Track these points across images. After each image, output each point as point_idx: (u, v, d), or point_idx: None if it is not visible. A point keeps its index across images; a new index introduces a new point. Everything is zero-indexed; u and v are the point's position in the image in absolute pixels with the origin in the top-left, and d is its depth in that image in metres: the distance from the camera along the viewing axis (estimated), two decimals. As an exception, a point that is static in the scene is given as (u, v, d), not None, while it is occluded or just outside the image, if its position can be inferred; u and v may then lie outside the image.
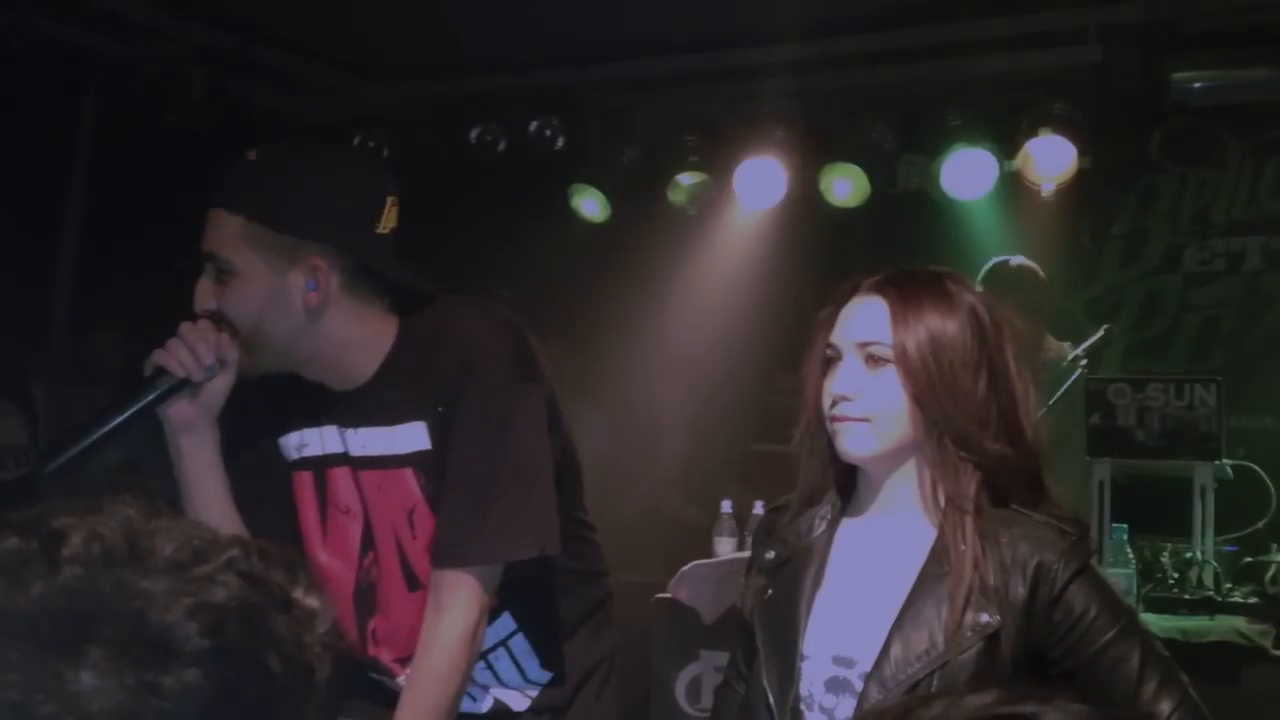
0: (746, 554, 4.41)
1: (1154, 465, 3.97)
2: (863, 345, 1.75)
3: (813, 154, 5.41)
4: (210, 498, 1.95)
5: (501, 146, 5.69)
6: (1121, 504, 3.98)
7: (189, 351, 1.87)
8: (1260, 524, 3.86)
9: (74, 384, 4.87)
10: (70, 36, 5.09)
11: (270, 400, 2.03)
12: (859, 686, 1.70)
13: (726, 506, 4.65)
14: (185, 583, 0.77)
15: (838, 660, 1.73)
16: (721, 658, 4.16)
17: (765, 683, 1.77)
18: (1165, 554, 3.82)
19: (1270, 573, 3.73)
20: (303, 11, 4.99)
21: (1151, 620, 3.61)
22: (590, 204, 5.74)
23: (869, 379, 1.74)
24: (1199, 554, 3.78)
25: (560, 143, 5.64)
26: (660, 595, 4.29)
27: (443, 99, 5.87)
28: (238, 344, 1.90)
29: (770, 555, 1.86)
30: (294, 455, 2.06)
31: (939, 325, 1.71)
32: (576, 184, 5.69)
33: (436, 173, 5.90)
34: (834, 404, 1.75)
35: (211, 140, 5.32)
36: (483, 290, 5.31)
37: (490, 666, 2.12)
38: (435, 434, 1.96)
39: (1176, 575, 3.78)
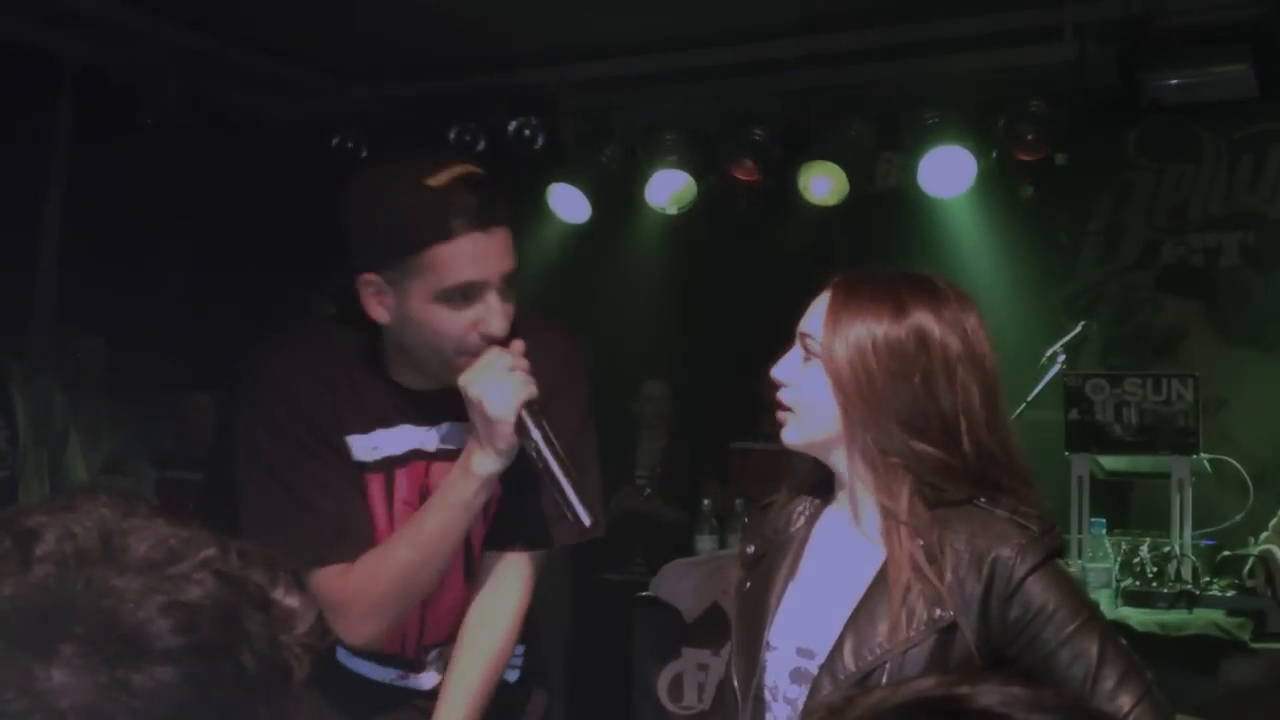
0: (726, 552, 4.45)
1: (1132, 460, 4.00)
2: (803, 336, 1.78)
3: (791, 152, 5.42)
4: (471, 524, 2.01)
5: (480, 146, 5.68)
6: (1100, 498, 4.01)
7: (524, 375, 1.92)
8: (1238, 517, 3.88)
9: (53, 388, 4.83)
10: (43, 39, 5.06)
11: (332, 402, 2.04)
12: None
13: (707, 505, 4.67)
14: (159, 581, 0.77)
15: (801, 651, 1.75)
16: (703, 655, 4.19)
17: (733, 671, 1.82)
18: (1144, 548, 3.84)
19: (1248, 566, 3.75)
20: (279, 12, 4.97)
21: (1130, 614, 3.64)
22: (570, 203, 5.73)
23: (802, 370, 1.78)
24: (1177, 548, 3.80)
25: (539, 142, 5.63)
26: (642, 594, 4.30)
27: (421, 99, 5.86)
28: None
29: (751, 550, 1.90)
30: (366, 458, 2.06)
31: (870, 329, 1.71)
32: (556, 183, 5.69)
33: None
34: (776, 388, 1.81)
35: (188, 142, 5.30)
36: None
37: None
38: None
39: (1155, 569, 3.80)
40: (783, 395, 1.79)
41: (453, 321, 1.90)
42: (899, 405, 1.69)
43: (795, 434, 1.79)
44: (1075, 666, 1.63)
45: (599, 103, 5.78)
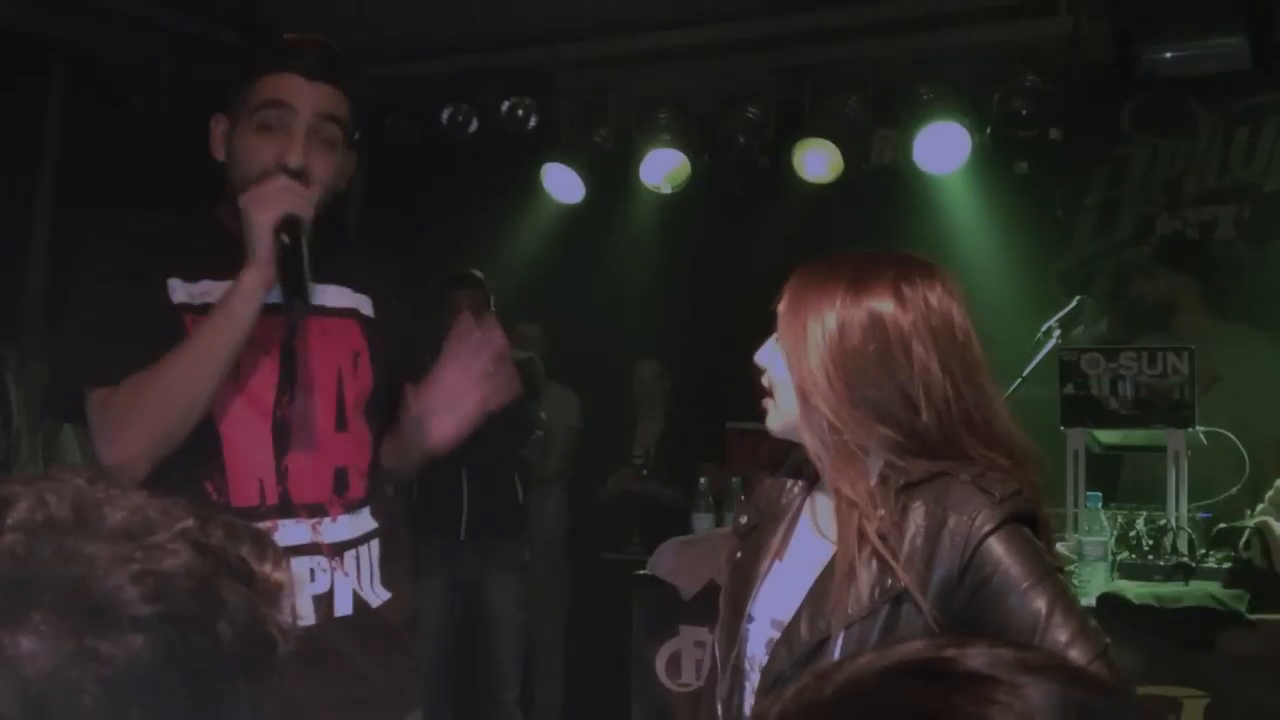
0: (722, 530, 4.44)
1: (1127, 434, 4.00)
2: (777, 318, 1.79)
3: (786, 130, 5.41)
4: (240, 343, 2.05)
5: (473, 127, 5.67)
6: (1095, 472, 4.01)
7: (302, 200, 2.05)
8: (1234, 490, 3.88)
9: (46, 373, 4.81)
10: (33, 22, 5.03)
11: (156, 244, 2.15)
12: None
13: (703, 484, 4.67)
14: (132, 549, 0.76)
15: (775, 624, 1.76)
16: (701, 633, 4.19)
17: (715, 641, 1.84)
18: (1140, 521, 3.84)
19: (1244, 538, 3.75)
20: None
21: (1126, 586, 3.64)
22: (563, 183, 5.72)
23: (774, 352, 1.79)
24: (1173, 521, 3.80)
25: (532, 122, 5.62)
26: (639, 572, 4.31)
27: (413, 80, 5.84)
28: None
29: (744, 520, 1.92)
30: (192, 300, 2.11)
31: (821, 313, 1.71)
32: (549, 163, 5.68)
33: (408, 154, 5.87)
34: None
35: (181, 124, 5.27)
36: (457, 271, 5.33)
37: (357, 558, 2.19)
38: (379, 310, 2.23)
39: (1151, 542, 3.80)
40: (764, 380, 1.81)
41: (261, 148, 2.08)
42: (853, 385, 1.69)
43: (773, 421, 1.81)
44: (1024, 625, 1.59)
45: (592, 82, 5.76)
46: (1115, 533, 3.82)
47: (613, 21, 5.35)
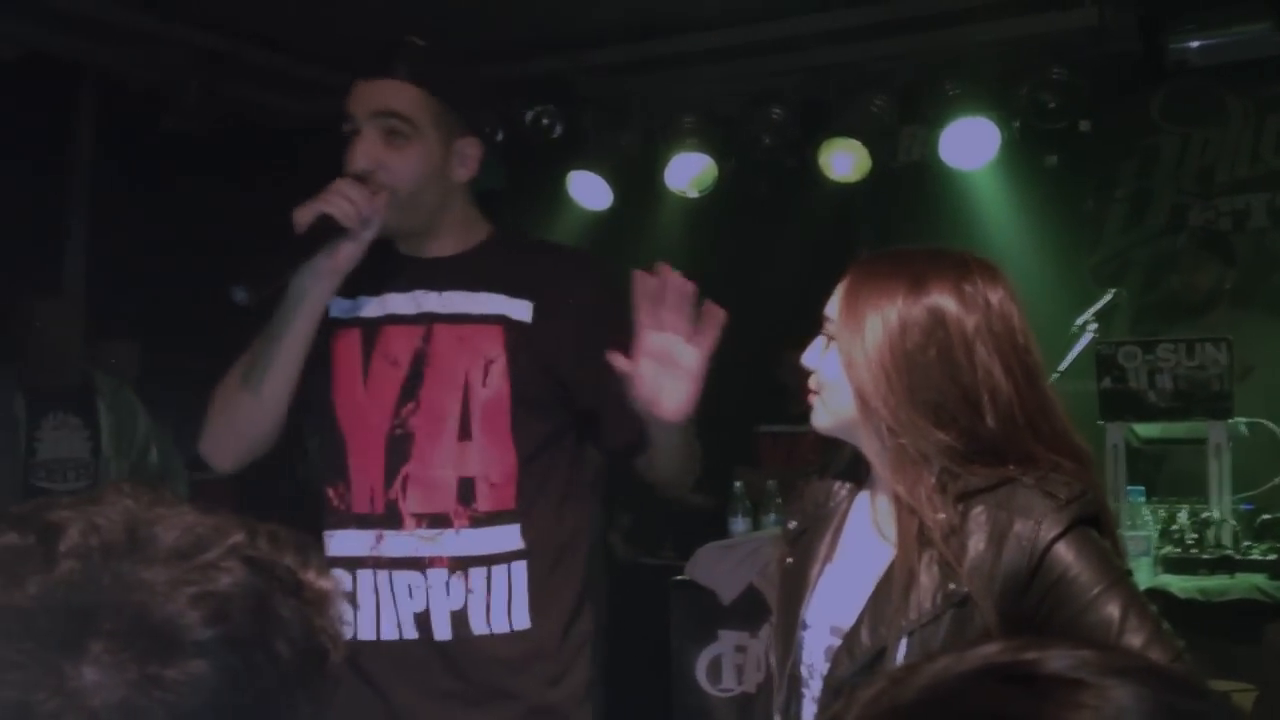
0: (761, 533, 4.42)
1: (1167, 426, 3.96)
2: (824, 319, 1.76)
3: (811, 130, 5.39)
4: (299, 355, 2.10)
5: (499, 136, 5.68)
6: (1136, 466, 3.98)
7: (349, 202, 2.04)
8: (1276, 480, 3.84)
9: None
10: (63, 45, 5.08)
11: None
12: None
13: (739, 487, 4.66)
14: (187, 571, 0.76)
15: (835, 630, 1.72)
16: (741, 637, 4.18)
17: (770, 649, 1.81)
18: (1183, 514, 3.81)
19: (1288, 529, 3.72)
20: (293, 11, 4.98)
21: (1171, 581, 3.61)
22: (590, 190, 5.72)
23: (823, 354, 1.76)
24: (1216, 513, 3.76)
25: (558, 130, 5.62)
26: (677, 578, 4.30)
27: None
28: (386, 207, 2.08)
29: (793, 525, 1.88)
30: (343, 315, 2.18)
31: (882, 311, 1.67)
32: (576, 171, 5.67)
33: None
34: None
35: (210, 143, 5.31)
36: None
37: (488, 577, 2.12)
38: (540, 315, 2.17)
39: (1195, 535, 3.76)
40: (812, 380, 1.77)
41: (347, 161, 2.13)
42: (914, 388, 1.64)
43: (821, 417, 1.77)
44: (1097, 632, 1.54)
45: (616, 87, 5.76)
46: (1158, 527, 3.79)
47: (634, 27, 5.35)
